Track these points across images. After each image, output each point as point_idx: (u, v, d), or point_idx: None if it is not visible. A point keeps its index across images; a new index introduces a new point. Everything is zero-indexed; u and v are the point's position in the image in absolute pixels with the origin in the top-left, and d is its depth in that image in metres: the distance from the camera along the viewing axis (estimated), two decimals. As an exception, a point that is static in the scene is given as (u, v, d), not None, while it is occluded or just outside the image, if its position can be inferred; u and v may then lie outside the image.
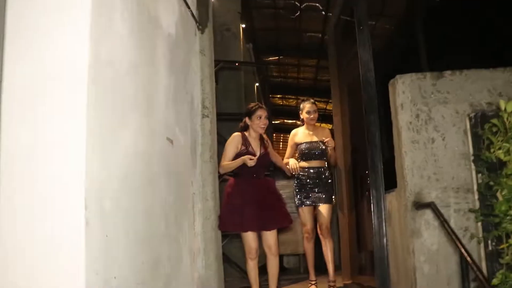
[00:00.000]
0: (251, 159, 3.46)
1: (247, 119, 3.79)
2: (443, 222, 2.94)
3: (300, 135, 4.45)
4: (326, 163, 4.39)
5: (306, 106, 4.36)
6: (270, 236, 3.61)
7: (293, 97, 14.47)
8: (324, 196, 4.20)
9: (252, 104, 3.82)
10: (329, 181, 4.34)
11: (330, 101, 14.24)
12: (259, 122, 3.71)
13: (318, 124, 4.52)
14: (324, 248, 4.20)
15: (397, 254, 3.67)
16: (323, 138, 4.25)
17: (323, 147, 4.26)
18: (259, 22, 9.58)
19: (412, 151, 3.52)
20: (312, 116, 4.33)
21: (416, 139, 3.54)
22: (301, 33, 10.33)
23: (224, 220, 3.56)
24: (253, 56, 8.97)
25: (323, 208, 4.17)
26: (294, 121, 14.30)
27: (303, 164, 4.32)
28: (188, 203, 3.11)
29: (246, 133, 3.79)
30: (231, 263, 4.49)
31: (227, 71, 6.74)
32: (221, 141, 5.19)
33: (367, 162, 3.89)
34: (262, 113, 3.72)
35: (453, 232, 2.83)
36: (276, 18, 9.80)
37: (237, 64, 6.38)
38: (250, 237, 3.54)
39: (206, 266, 3.35)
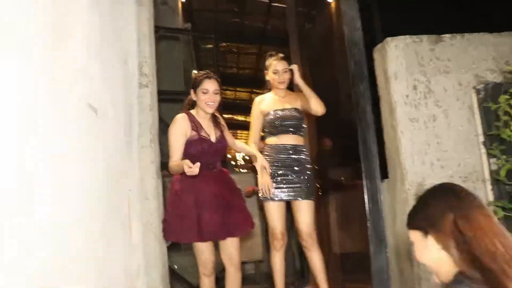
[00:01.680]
0: (190, 168, 2.38)
1: (192, 93, 2.78)
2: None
3: (268, 101, 3.16)
4: (303, 140, 3.13)
5: (273, 64, 3.08)
6: (231, 244, 2.72)
7: (231, 88, 13.59)
8: (304, 187, 2.94)
9: (199, 73, 2.81)
10: (309, 165, 3.05)
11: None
12: (205, 98, 2.70)
13: (291, 92, 3.22)
14: (309, 256, 2.97)
15: (392, 262, 2.94)
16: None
17: (300, 117, 3.06)
18: (197, 2, 8.64)
19: (410, 131, 2.80)
20: (280, 77, 3.05)
21: (414, 117, 2.82)
22: (244, 16, 9.50)
23: (172, 227, 2.61)
24: (191, 38, 8.01)
25: (304, 206, 2.92)
26: (244, 118, 13.42)
27: (272, 140, 3.10)
28: (122, 202, 2.17)
29: (193, 113, 2.80)
30: (180, 279, 3.46)
31: (165, 43, 5.76)
32: (162, 128, 4.24)
33: (336, 148, 3.14)
34: (209, 85, 2.71)
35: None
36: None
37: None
38: (206, 248, 2.64)
39: (147, 290, 2.43)
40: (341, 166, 3.95)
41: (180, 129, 2.67)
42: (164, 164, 2.85)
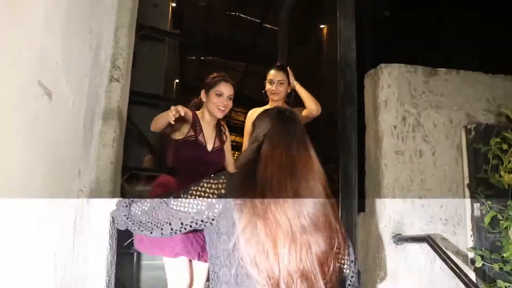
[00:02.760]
0: (177, 112, 2.00)
1: (203, 93, 2.54)
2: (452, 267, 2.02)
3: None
4: None
5: (270, 73, 2.94)
6: (202, 267, 2.43)
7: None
8: None
9: (215, 74, 2.55)
10: None
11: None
12: (217, 101, 2.45)
13: (287, 105, 2.97)
14: None
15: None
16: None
17: None
18: (189, 12, 8.49)
19: (395, 164, 2.63)
20: (274, 88, 2.87)
21: (400, 149, 2.65)
22: (233, 32, 9.43)
23: (144, 237, 2.31)
24: (178, 46, 7.82)
25: None
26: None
27: None
28: (68, 203, 1.90)
29: (199, 114, 2.55)
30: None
31: (149, 44, 5.53)
32: (131, 130, 3.96)
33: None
34: (225, 89, 2.47)
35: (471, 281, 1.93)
36: (209, 10, 8.79)
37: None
38: (183, 266, 2.34)
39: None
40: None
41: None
42: (127, 169, 2.61)
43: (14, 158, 1.28)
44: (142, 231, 1.53)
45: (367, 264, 2.66)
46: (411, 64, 2.80)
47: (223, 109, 2.46)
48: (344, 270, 1.45)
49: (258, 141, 1.45)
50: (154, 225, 1.49)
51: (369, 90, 2.85)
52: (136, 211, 1.56)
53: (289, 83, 2.89)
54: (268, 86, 2.95)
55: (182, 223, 1.42)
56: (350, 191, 2.54)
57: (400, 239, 2.49)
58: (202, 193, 1.40)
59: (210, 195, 1.39)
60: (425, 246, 2.53)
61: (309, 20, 7.50)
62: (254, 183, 1.33)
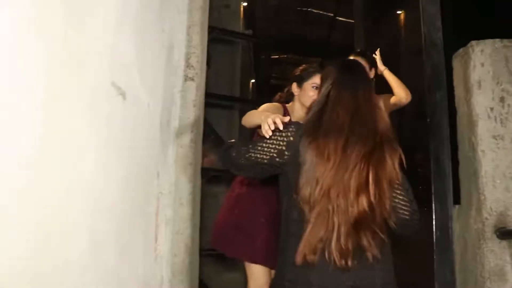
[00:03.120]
0: (273, 125, 1.59)
1: (294, 87, 2.41)
2: None
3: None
4: None
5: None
6: None
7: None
8: None
9: (308, 65, 2.42)
10: None
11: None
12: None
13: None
14: None
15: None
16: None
17: None
18: (260, 11, 8.47)
19: (494, 150, 2.36)
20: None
21: (500, 134, 2.38)
22: (306, 27, 9.29)
23: (223, 235, 2.30)
24: (251, 46, 7.81)
25: None
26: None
27: None
28: (149, 205, 1.90)
29: (289, 107, 2.42)
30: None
31: (221, 47, 5.55)
32: (208, 132, 3.98)
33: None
34: (319, 81, 2.31)
35: None
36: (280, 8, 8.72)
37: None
38: (261, 272, 2.27)
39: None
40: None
41: (266, 108, 2.24)
42: (204, 170, 2.58)
43: (89, 160, 1.26)
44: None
45: (466, 261, 2.42)
46: (507, 39, 2.51)
47: None
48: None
49: (328, 89, 1.54)
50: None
51: (459, 72, 2.60)
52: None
53: (370, 68, 2.74)
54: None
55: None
56: (443, 182, 2.32)
57: (505, 233, 2.23)
58: (274, 141, 1.53)
59: (281, 143, 1.51)
60: (535, 240, 2.25)
61: (385, 7, 7.18)
62: (320, 125, 1.45)
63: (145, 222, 1.86)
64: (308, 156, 1.41)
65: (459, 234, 2.51)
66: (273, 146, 1.52)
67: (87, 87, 1.28)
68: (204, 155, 2.57)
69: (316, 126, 1.46)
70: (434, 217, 2.38)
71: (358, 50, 2.88)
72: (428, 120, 2.45)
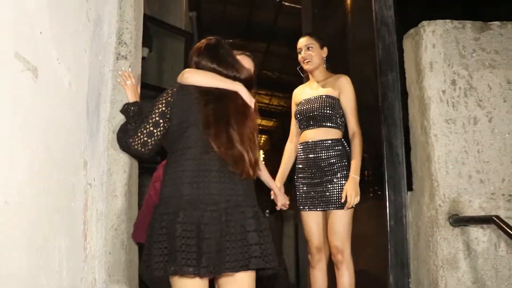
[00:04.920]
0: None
1: None
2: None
3: (300, 91, 2.76)
4: (337, 132, 2.55)
5: (298, 42, 2.71)
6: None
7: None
8: (334, 193, 2.44)
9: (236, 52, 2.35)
10: (343, 164, 2.48)
11: (275, 94, 13.07)
12: None
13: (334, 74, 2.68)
14: (338, 280, 2.46)
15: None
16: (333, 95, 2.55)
17: (327, 104, 2.52)
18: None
19: (446, 135, 2.29)
20: (303, 55, 2.63)
21: (452, 117, 2.31)
22: (252, 11, 9.06)
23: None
24: (196, 28, 7.49)
25: (334, 217, 2.44)
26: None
27: (301, 138, 2.66)
28: (74, 199, 1.65)
29: None
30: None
31: (164, 37, 5.24)
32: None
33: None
34: (247, 63, 2.34)
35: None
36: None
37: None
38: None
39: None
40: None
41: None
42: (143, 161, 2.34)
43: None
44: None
45: (419, 250, 2.35)
46: (458, 20, 2.43)
47: None
48: None
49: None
50: None
51: (410, 53, 2.50)
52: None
53: (321, 47, 2.61)
54: (299, 58, 2.70)
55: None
56: (397, 168, 2.22)
57: (458, 220, 2.16)
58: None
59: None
60: (486, 227, 2.20)
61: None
62: None
63: (69, 219, 1.60)
64: None
65: (412, 222, 2.43)
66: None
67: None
68: None
69: None
70: (387, 206, 2.27)
71: (306, 32, 2.77)
72: (379, 103, 2.33)
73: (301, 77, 2.92)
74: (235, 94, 1.89)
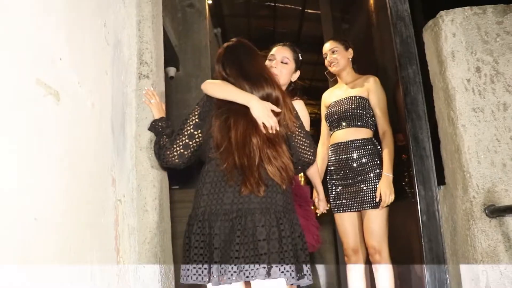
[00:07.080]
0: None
1: None
2: None
3: (329, 93, 2.82)
4: (368, 131, 2.58)
5: (323, 48, 2.78)
6: None
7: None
8: (367, 193, 2.45)
9: None
10: (375, 163, 2.50)
11: (308, 102, 13.00)
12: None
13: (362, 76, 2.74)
14: (377, 283, 2.44)
15: (455, 289, 2.33)
16: (361, 94, 2.59)
17: (358, 104, 2.55)
18: (228, 8, 8.29)
19: (475, 124, 2.22)
20: (328, 59, 2.71)
21: (479, 106, 2.24)
22: (276, 22, 9.11)
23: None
24: (221, 44, 7.62)
25: (369, 216, 2.44)
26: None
27: (331, 139, 2.70)
28: (104, 215, 1.70)
29: None
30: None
31: (191, 54, 5.39)
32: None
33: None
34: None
35: None
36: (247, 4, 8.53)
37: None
38: None
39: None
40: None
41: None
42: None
43: (10, 171, 1.07)
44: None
45: (457, 244, 2.28)
46: (477, 6, 2.37)
47: None
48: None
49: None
50: None
51: (430, 45, 2.45)
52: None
53: (346, 49, 2.64)
54: (325, 63, 2.78)
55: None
56: (425, 162, 2.17)
57: (495, 210, 2.09)
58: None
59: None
60: (526, 215, 2.12)
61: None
62: None
63: (100, 234, 1.66)
64: None
65: (447, 217, 2.36)
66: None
67: (2, 85, 1.09)
68: None
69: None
70: (418, 201, 2.22)
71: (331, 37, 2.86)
72: (403, 98, 2.29)
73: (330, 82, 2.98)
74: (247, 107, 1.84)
